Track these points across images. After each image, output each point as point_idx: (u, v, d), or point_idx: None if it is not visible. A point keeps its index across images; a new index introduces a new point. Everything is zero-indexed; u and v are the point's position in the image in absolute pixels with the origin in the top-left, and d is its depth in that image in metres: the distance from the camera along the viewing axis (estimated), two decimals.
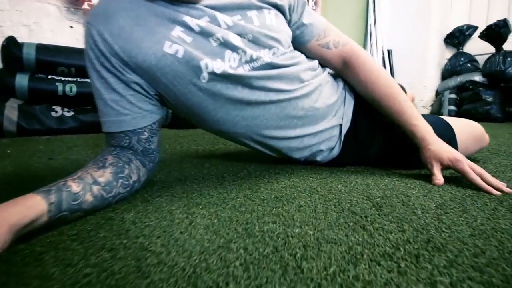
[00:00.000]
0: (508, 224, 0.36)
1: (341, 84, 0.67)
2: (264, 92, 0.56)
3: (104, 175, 0.43)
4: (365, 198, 0.45)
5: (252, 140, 0.61)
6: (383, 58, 2.89)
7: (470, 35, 2.60)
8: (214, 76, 0.51)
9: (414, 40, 2.84)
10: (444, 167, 0.55)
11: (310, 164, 0.72)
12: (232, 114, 0.56)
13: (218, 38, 0.51)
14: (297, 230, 0.34)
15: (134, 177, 0.48)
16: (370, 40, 2.90)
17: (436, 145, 0.56)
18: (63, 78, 1.48)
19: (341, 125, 0.65)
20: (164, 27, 0.49)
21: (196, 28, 0.50)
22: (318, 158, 0.67)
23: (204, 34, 0.51)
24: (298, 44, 0.62)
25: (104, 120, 0.51)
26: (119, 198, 0.44)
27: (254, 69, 0.54)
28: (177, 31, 0.49)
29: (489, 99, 2.24)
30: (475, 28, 2.56)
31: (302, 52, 0.63)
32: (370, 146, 0.66)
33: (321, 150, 0.65)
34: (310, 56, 0.64)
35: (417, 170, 0.65)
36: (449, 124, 0.68)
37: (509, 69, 2.19)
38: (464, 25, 2.62)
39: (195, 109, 0.55)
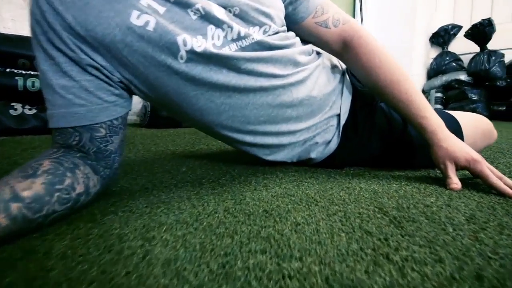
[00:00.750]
0: None
1: (338, 75, 0.58)
2: (253, 77, 0.46)
3: (32, 187, 0.31)
4: (377, 209, 0.36)
5: (240, 133, 0.51)
6: None
7: (455, 34, 2.62)
8: (194, 55, 0.42)
9: (400, 39, 2.83)
10: (460, 168, 0.47)
11: (303, 165, 0.62)
12: (217, 102, 0.46)
13: (198, 10, 0.42)
14: (296, 264, 0.24)
15: (80, 189, 0.36)
16: None
17: (449, 141, 0.48)
18: (24, 72, 1.31)
19: (338, 115, 0.56)
20: None
21: None
22: (313, 155, 0.58)
23: (181, 4, 0.41)
24: (290, 23, 0.52)
25: (51, 113, 0.39)
26: (55, 217, 0.33)
27: (242, 49, 0.45)
28: None
29: (475, 98, 2.25)
30: (460, 27, 2.58)
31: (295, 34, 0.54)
32: (370, 142, 0.57)
33: (316, 143, 0.56)
34: (304, 37, 0.54)
35: (424, 171, 0.57)
36: (453, 116, 0.60)
37: (494, 68, 2.20)
38: (449, 24, 2.64)
39: (172, 96, 0.45)
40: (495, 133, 0.66)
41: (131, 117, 2.00)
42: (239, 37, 0.44)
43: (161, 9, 0.40)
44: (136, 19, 0.39)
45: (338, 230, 0.30)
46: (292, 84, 0.49)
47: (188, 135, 1.21)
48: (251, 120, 0.49)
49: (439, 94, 2.54)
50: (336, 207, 0.37)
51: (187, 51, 0.41)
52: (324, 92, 0.54)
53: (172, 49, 0.40)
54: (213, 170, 0.60)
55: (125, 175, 0.56)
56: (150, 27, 0.39)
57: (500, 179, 0.44)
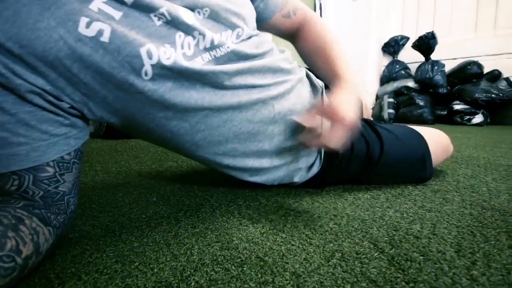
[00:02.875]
0: None
1: (318, 93, 0.57)
2: (231, 91, 0.42)
3: None
4: (372, 245, 0.35)
5: (218, 154, 0.46)
6: None
7: (403, 44, 2.87)
8: (161, 70, 0.36)
9: (356, 48, 3.01)
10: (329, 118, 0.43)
11: (283, 185, 0.60)
12: (191, 121, 0.41)
13: (162, 14, 0.36)
14: None
15: (27, 251, 0.29)
16: None
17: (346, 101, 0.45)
18: None
19: None
20: None
21: None
22: (296, 179, 0.56)
23: (141, 7, 0.35)
24: (259, 21, 0.50)
25: None
26: None
27: (217, 59, 0.40)
28: (98, 1, 0.32)
29: (421, 103, 2.48)
30: (408, 38, 2.83)
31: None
32: (350, 165, 0.57)
33: (299, 169, 0.54)
34: (266, 31, 0.53)
35: (398, 188, 0.59)
36: (419, 133, 0.64)
37: (436, 76, 2.45)
38: (398, 35, 2.87)
39: (137, 118, 0.39)
40: (451, 147, 0.72)
41: None
42: (213, 46, 0.39)
43: (117, 14, 0.33)
44: (86, 29, 0.31)
45: (342, 280, 0.28)
46: (273, 98, 0.46)
47: (152, 148, 1.12)
48: (229, 138, 0.45)
49: (391, 100, 2.75)
50: (331, 245, 0.35)
51: (153, 65, 0.35)
52: (308, 108, 0.52)
53: (133, 64, 0.34)
54: (188, 198, 0.54)
55: (83, 212, 0.48)
56: (105, 37, 0.32)
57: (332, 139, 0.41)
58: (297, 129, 0.50)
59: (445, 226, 0.41)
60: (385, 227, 0.40)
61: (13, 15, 0.29)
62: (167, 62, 0.36)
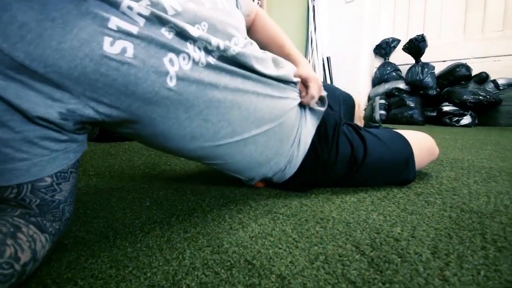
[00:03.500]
0: (509, 272, 0.32)
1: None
2: (250, 82, 0.47)
3: None
4: (354, 247, 0.37)
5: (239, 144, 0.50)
6: (323, 64, 3.03)
7: (395, 47, 2.92)
8: (184, 75, 0.39)
9: (349, 49, 3.06)
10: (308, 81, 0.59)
11: (272, 187, 0.62)
12: (213, 120, 0.44)
13: (172, 27, 0.38)
14: None
15: (25, 258, 0.30)
16: (311, 46, 3.01)
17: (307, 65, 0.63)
18: None
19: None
20: (91, 18, 0.33)
21: (141, 14, 0.36)
22: (275, 178, 0.60)
23: (154, 22, 0.37)
24: None
25: None
26: None
27: (228, 60, 0.44)
28: (115, 20, 0.34)
29: (412, 105, 2.53)
30: (399, 41, 2.88)
31: None
32: (335, 167, 0.60)
33: (279, 168, 0.58)
34: None
35: (383, 191, 0.62)
36: (404, 136, 0.67)
37: (426, 78, 2.51)
38: (390, 37, 2.93)
39: (157, 124, 0.41)
40: (437, 150, 0.75)
41: None
42: (219, 50, 0.42)
43: (134, 29, 0.36)
44: (111, 47, 0.34)
45: (324, 282, 0.30)
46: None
47: (146, 151, 1.12)
48: (253, 126, 0.49)
49: (382, 101, 2.80)
50: (316, 248, 0.37)
51: (176, 72, 0.38)
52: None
53: (159, 72, 0.37)
54: (181, 203, 0.56)
55: (77, 218, 0.49)
56: (129, 54, 0.35)
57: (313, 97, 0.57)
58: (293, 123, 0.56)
59: (424, 229, 0.43)
60: (368, 230, 0.43)
61: (36, 38, 0.31)
62: (187, 67, 0.39)
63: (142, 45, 0.36)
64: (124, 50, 0.34)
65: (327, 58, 3.08)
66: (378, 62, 3.10)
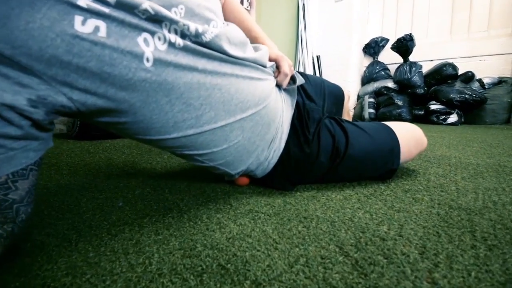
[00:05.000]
0: (501, 273, 0.30)
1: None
2: (232, 66, 0.45)
3: None
4: (337, 248, 0.35)
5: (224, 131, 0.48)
6: (313, 63, 3.02)
7: (383, 46, 2.94)
8: (160, 55, 0.36)
9: (338, 48, 3.06)
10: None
11: (255, 184, 0.59)
12: (195, 103, 0.42)
13: (146, 10, 0.36)
14: None
15: None
16: (301, 45, 3.00)
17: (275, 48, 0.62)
18: None
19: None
20: None
21: None
22: (258, 172, 0.58)
23: (124, 6, 0.34)
24: None
25: None
26: None
27: (207, 43, 0.41)
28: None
29: (400, 103, 2.55)
30: (387, 40, 2.90)
31: None
32: (319, 159, 0.57)
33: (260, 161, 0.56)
34: None
35: (370, 187, 0.60)
36: (390, 127, 0.65)
37: (414, 77, 2.53)
38: (379, 37, 2.94)
39: (137, 110, 0.38)
40: (425, 140, 0.73)
41: (57, 126, 1.72)
42: (197, 33, 0.40)
43: (105, 9, 0.33)
44: (82, 26, 0.31)
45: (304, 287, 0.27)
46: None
47: (127, 150, 1.08)
48: (237, 109, 0.47)
49: (371, 100, 2.81)
50: (297, 249, 0.35)
51: (152, 52, 0.36)
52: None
53: (134, 52, 0.34)
54: (157, 203, 0.52)
55: (41, 219, 0.45)
56: (102, 33, 0.32)
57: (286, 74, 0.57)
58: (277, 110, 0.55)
59: (412, 227, 0.41)
60: (353, 229, 0.40)
61: (2, 18, 0.28)
62: (162, 48, 0.36)
63: (114, 24, 0.33)
64: (96, 29, 0.32)
65: (317, 56, 3.07)
66: (367, 61, 3.12)
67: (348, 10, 2.93)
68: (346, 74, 3.03)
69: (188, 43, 0.39)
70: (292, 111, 0.60)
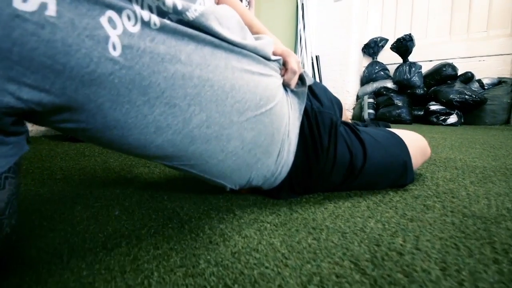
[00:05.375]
0: None
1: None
2: (226, 54, 0.37)
3: None
4: (352, 265, 0.32)
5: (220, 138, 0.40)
6: (312, 63, 3.00)
7: (383, 46, 2.92)
8: (131, 40, 0.29)
9: (338, 48, 3.04)
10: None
11: (257, 193, 0.57)
12: (181, 105, 0.34)
13: None
14: None
15: None
16: (300, 45, 2.98)
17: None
18: None
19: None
20: None
21: None
22: (264, 186, 0.52)
23: None
24: None
25: None
26: None
27: (189, 23, 0.34)
28: None
29: (400, 104, 2.54)
30: (386, 40, 2.89)
31: None
32: (332, 175, 0.53)
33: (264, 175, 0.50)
34: None
35: (378, 194, 0.57)
36: (399, 136, 0.63)
37: (413, 77, 2.52)
38: (378, 37, 2.93)
39: (108, 113, 0.31)
40: (429, 150, 0.71)
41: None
42: (177, 11, 0.33)
43: None
44: (23, 3, 0.24)
45: None
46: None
47: None
48: (233, 112, 0.39)
49: (371, 100, 2.80)
50: (309, 266, 0.32)
51: (120, 36, 0.28)
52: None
53: (96, 37, 0.27)
54: (155, 211, 0.49)
55: (31, 231, 0.42)
56: (51, 11, 0.25)
57: (294, 72, 0.49)
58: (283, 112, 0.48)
59: (428, 238, 0.39)
60: (366, 241, 0.38)
61: None
62: (134, 30, 0.29)
63: (67, 1, 0.26)
64: (43, 7, 0.25)
65: (316, 56, 3.05)
66: (366, 61, 3.11)
67: (347, 10, 2.92)
68: (345, 74, 3.02)
69: (167, 22, 0.31)
70: (300, 119, 0.52)
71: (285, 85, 0.50)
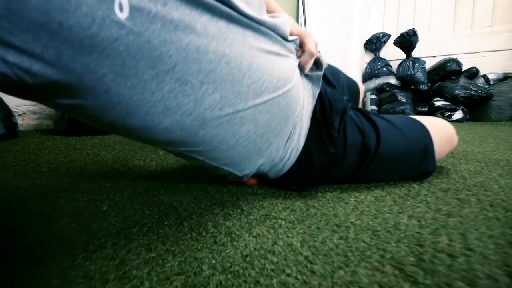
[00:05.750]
0: None
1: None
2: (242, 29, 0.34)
3: None
4: (397, 271, 0.25)
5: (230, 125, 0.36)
6: None
7: (385, 42, 2.87)
8: (141, 1, 0.24)
9: (339, 44, 2.98)
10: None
11: (264, 183, 0.50)
12: (194, 81, 0.30)
13: None
14: None
15: None
16: None
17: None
18: None
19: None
20: None
21: None
22: (270, 174, 0.48)
23: None
24: None
25: None
26: None
27: None
28: None
29: (403, 100, 2.48)
30: (389, 35, 2.83)
31: None
32: (345, 159, 0.48)
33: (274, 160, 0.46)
34: None
35: (401, 187, 0.51)
36: (421, 123, 0.57)
37: (417, 73, 2.46)
38: (380, 32, 2.87)
39: (111, 87, 0.26)
40: (456, 138, 0.65)
41: (43, 121, 1.60)
42: None
43: None
44: None
45: None
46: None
47: (119, 146, 0.97)
48: (249, 93, 0.35)
49: (373, 96, 2.74)
50: (342, 273, 0.25)
51: None
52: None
53: None
54: (150, 207, 0.42)
55: (2, 227, 0.35)
56: None
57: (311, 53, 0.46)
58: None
59: (477, 236, 0.32)
60: (405, 241, 0.31)
61: None
62: None
63: None
64: None
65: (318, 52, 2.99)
66: (368, 57, 3.05)
67: (349, 5, 2.85)
68: (347, 71, 2.94)
69: None
70: (314, 103, 0.49)
71: (300, 68, 0.47)
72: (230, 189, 0.50)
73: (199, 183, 0.55)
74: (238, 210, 0.40)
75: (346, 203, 0.43)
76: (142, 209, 0.41)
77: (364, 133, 0.49)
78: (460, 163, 0.71)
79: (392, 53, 2.80)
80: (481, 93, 2.14)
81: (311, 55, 0.45)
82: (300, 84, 0.46)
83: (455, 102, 2.21)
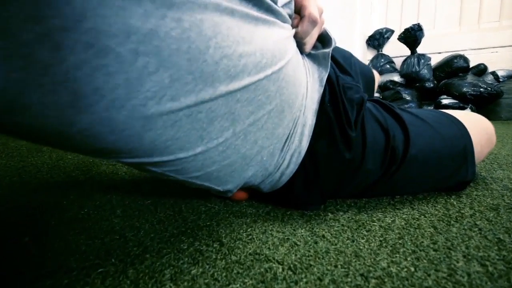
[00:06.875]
0: None
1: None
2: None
3: None
4: None
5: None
6: None
7: (388, 38, 2.76)
8: None
9: (341, 40, 2.86)
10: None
11: (259, 199, 0.38)
12: (150, 67, 0.19)
13: None
14: None
15: None
16: None
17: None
18: None
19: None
20: None
21: None
22: (264, 186, 0.35)
23: None
24: None
25: None
26: None
27: None
28: None
29: (408, 98, 2.37)
30: (392, 31, 2.73)
31: None
32: (364, 164, 0.35)
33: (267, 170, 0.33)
34: None
35: (433, 202, 0.38)
36: (456, 118, 0.45)
37: (422, 70, 2.35)
38: (383, 28, 2.76)
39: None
40: (495, 137, 0.53)
41: None
42: None
43: None
44: None
45: None
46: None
47: None
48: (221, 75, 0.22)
49: (377, 94, 2.62)
50: None
51: None
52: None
53: None
54: (91, 238, 0.30)
55: None
56: None
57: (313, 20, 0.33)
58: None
59: None
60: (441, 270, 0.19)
61: None
62: None
63: None
64: None
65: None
66: (371, 54, 2.93)
67: (351, 1, 2.74)
68: None
69: None
70: (321, 91, 0.35)
71: (298, 43, 0.34)
72: (210, 208, 0.38)
73: (173, 197, 0.42)
74: (216, 245, 0.28)
75: (368, 230, 0.31)
76: (77, 242, 0.29)
77: (388, 131, 0.36)
78: (493, 169, 0.59)
79: (395, 50, 2.68)
80: (490, 90, 2.02)
81: (313, 22, 0.32)
82: (300, 64, 0.33)
83: (463, 100, 2.09)
